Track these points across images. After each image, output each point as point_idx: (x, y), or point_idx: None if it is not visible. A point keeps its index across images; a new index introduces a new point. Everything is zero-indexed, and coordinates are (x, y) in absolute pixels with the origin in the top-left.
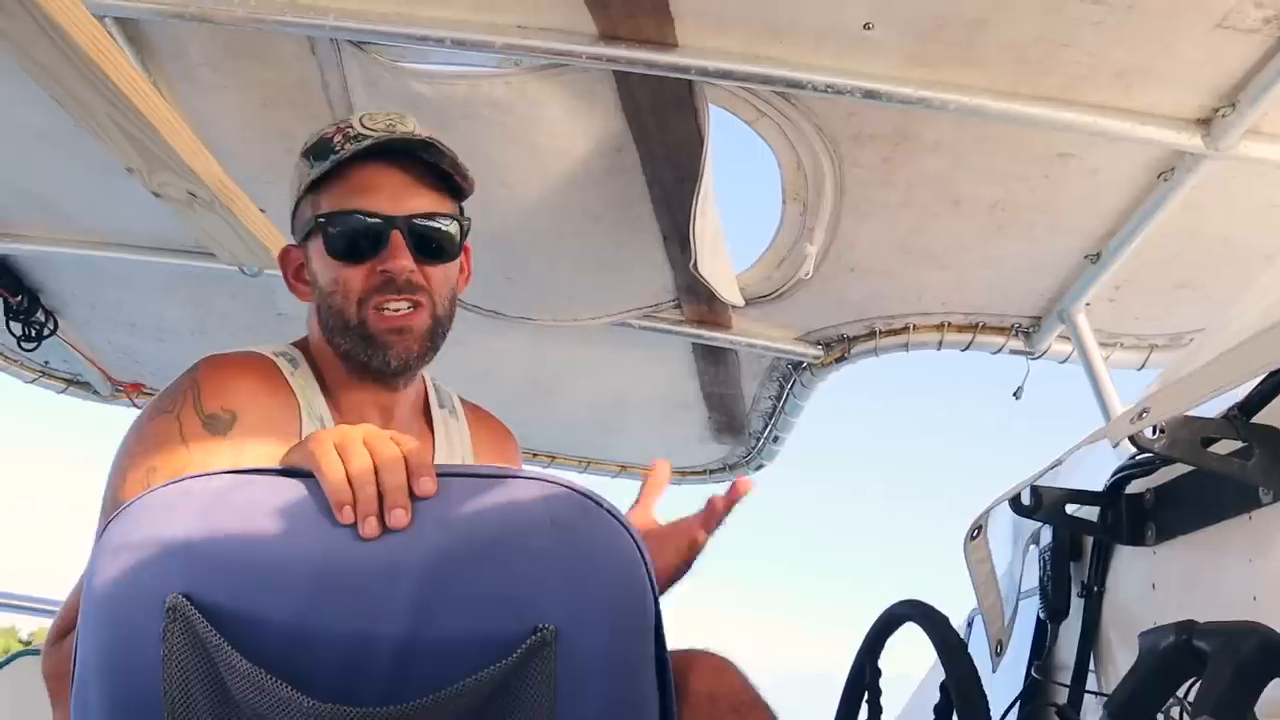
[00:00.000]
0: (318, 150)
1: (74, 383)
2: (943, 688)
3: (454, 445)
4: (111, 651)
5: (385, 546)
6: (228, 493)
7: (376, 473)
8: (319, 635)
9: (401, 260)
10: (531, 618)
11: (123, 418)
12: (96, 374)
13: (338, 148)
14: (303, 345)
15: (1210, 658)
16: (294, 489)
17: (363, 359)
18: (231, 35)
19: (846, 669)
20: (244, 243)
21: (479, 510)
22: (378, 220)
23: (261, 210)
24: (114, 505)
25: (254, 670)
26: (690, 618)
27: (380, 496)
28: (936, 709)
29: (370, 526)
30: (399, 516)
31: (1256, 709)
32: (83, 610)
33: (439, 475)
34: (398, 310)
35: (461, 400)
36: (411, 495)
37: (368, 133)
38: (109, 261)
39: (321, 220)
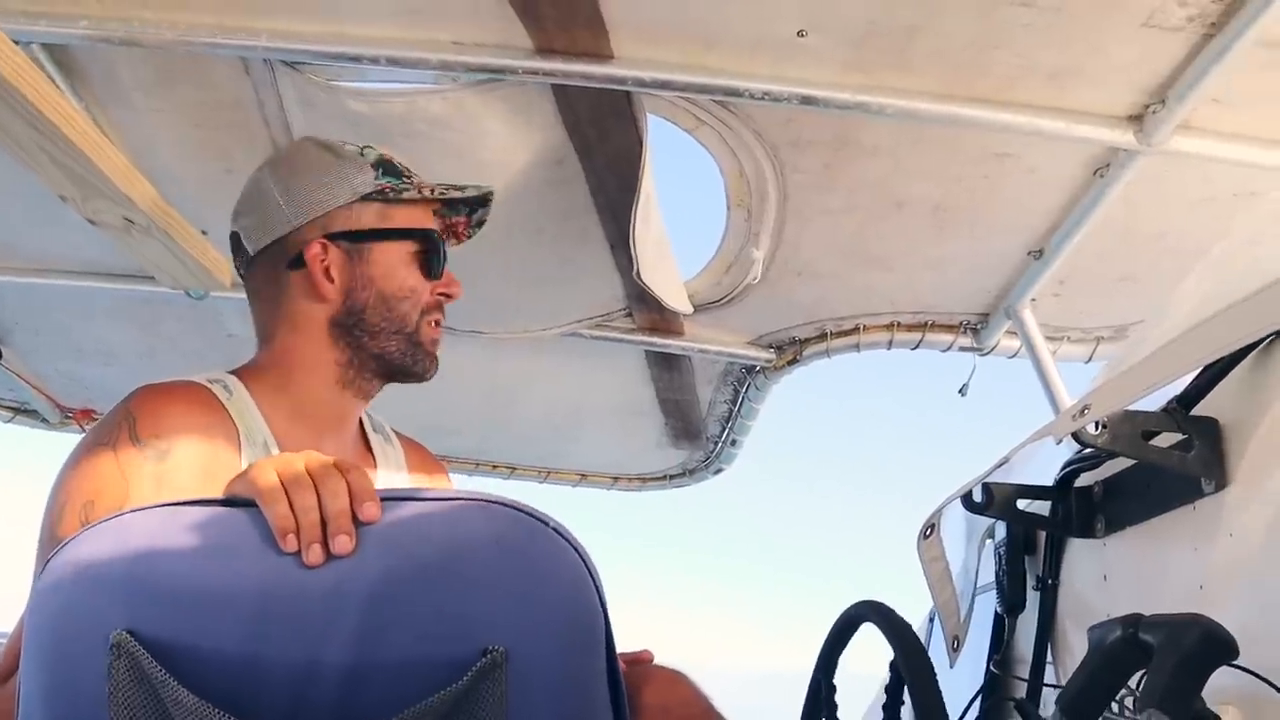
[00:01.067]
0: (389, 168)
1: (21, 411)
2: (892, 666)
3: (392, 469)
4: (56, 691)
5: (330, 573)
6: (168, 525)
7: (319, 499)
8: (265, 665)
9: (458, 289)
10: (481, 639)
11: (71, 442)
12: (44, 402)
13: (406, 173)
14: (246, 369)
15: (1155, 650)
16: (236, 519)
17: (408, 363)
18: (163, 59)
19: (809, 666)
20: (184, 266)
21: (424, 533)
22: (445, 248)
23: (203, 232)
24: (52, 541)
25: (200, 704)
26: (649, 619)
27: (324, 523)
28: (886, 689)
29: (314, 554)
30: (343, 543)
31: (1207, 698)
32: (25, 650)
33: (382, 500)
34: (439, 327)
35: (394, 430)
36: (356, 521)
37: (445, 191)
38: (52, 289)
39: (423, 233)
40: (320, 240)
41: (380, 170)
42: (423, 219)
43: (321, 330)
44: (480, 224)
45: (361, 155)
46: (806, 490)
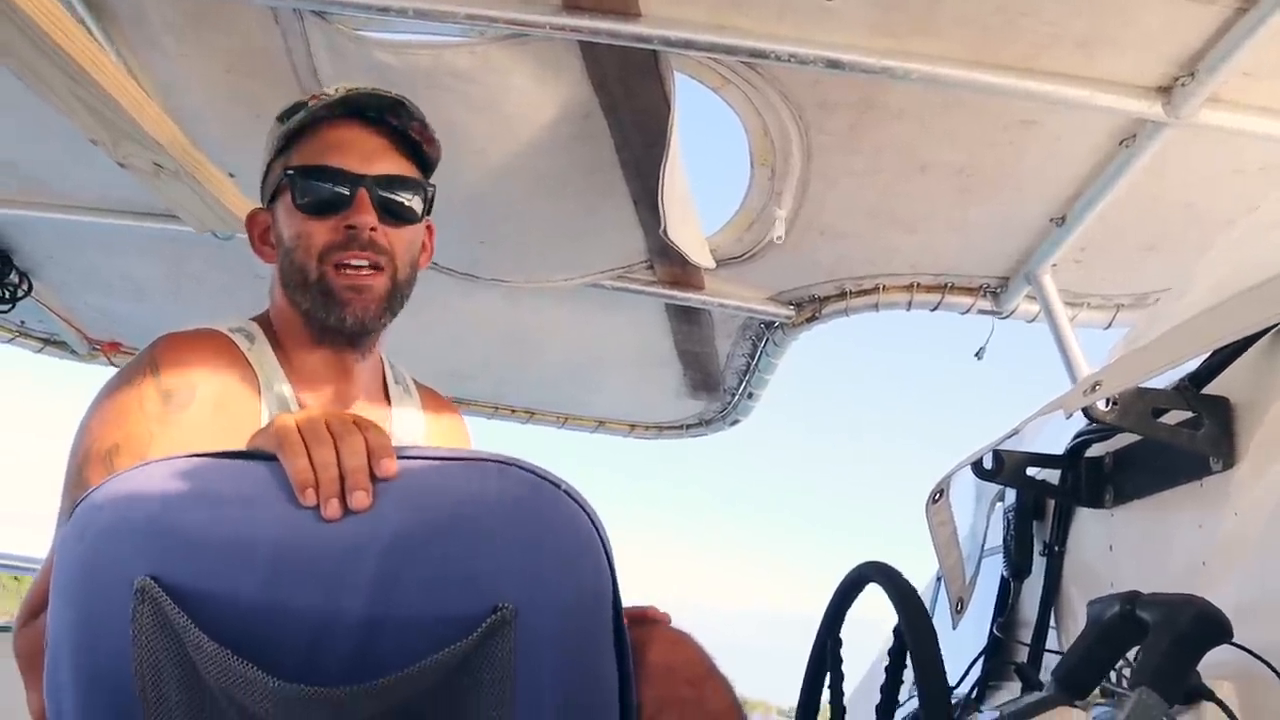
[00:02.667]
0: (290, 113)
1: (51, 342)
2: (896, 631)
3: (410, 421)
4: (82, 633)
5: (347, 528)
6: (193, 476)
7: (338, 455)
8: (284, 616)
9: (366, 216)
10: (491, 597)
11: (99, 373)
12: (73, 334)
13: (311, 108)
14: (263, 317)
15: (1151, 628)
16: (258, 472)
17: (321, 315)
18: (193, 3)
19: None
20: (211, 210)
21: (439, 492)
22: (346, 177)
23: (231, 175)
24: (78, 484)
25: (220, 651)
26: (669, 565)
27: (342, 479)
28: (890, 652)
29: (332, 508)
30: (360, 498)
31: (1204, 672)
32: (53, 593)
33: (400, 458)
34: (359, 268)
35: (414, 380)
36: (373, 477)
37: (292, 123)
38: (83, 225)
39: (290, 174)
40: (261, 209)
41: (284, 119)
42: (311, 154)
43: (280, 290)
44: (423, 123)
45: (280, 111)
46: (825, 443)
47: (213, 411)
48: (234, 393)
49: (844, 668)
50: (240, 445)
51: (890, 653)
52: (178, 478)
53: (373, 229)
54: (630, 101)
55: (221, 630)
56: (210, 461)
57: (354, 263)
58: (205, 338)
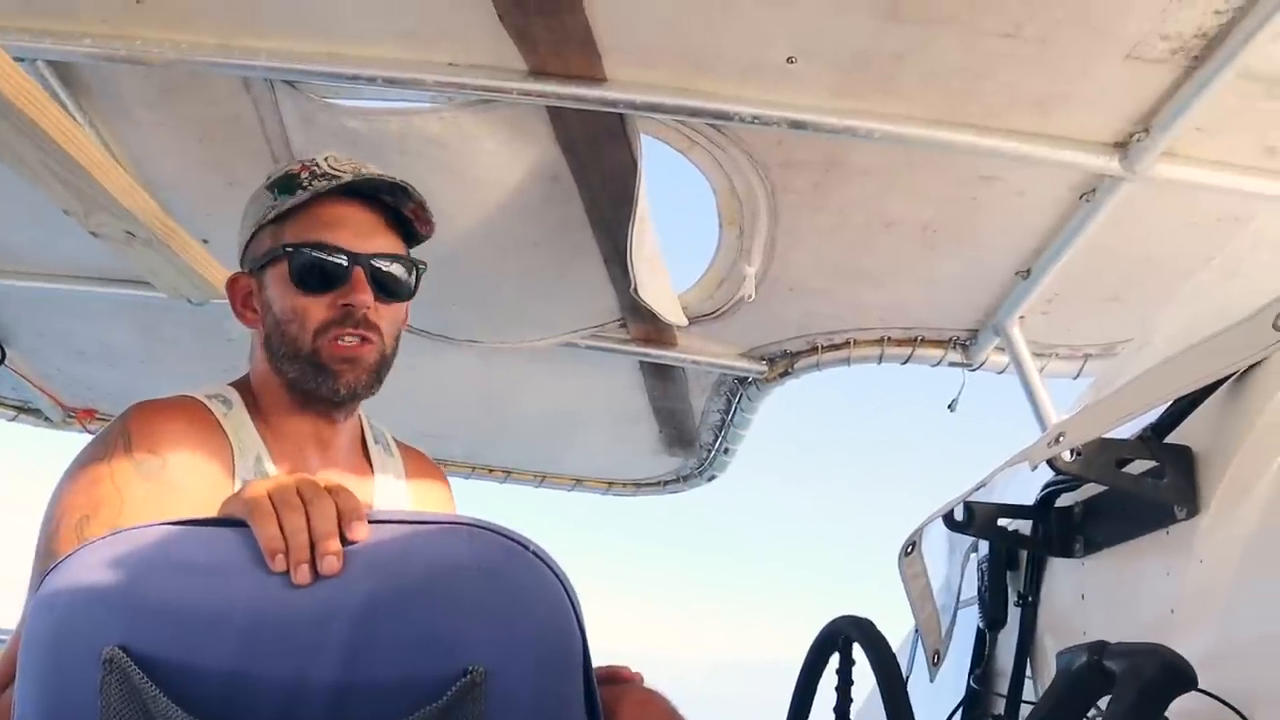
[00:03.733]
0: (284, 184)
1: (24, 410)
2: (842, 642)
3: (392, 483)
4: (50, 704)
5: (318, 593)
6: (163, 544)
7: (309, 520)
8: (254, 683)
9: (363, 295)
10: (461, 659)
11: (73, 440)
12: (47, 401)
13: (305, 183)
14: (242, 382)
15: (1118, 679)
16: (228, 539)
17: (311, 385)
18: (165, 75)
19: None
20: (184, 276)
21: (409, 555)
22: (343, 255)
23: (204, 241)
24: (48, 554)
25: None
26: (643, 615)
27: (312, 545)
28: (838, 671)
29: (302, 574)
30: (330, 563)
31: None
32: (21, 663)
33: (370, 522)
34: (350, 342)
35: (394, 439)
36: (345, 540)
37: (336, 172)
38: (56, 292)
39: (288, 249)
40: (243, 274)
41: (276, 189)
42: (307, 231)
43: (262, 356)
44: (422, 206)
45: (268, 178)
46: (795, 490)
47: (185, 480)
48: (207, 461)
49: None
50: (212, 513)
51: (838, 671)
52: (148, 546)
53: (368, 308)
54: (598, 164)
55: (191, 699)
56: (181, 530)
57: (347, 338)
58: (178, 406)
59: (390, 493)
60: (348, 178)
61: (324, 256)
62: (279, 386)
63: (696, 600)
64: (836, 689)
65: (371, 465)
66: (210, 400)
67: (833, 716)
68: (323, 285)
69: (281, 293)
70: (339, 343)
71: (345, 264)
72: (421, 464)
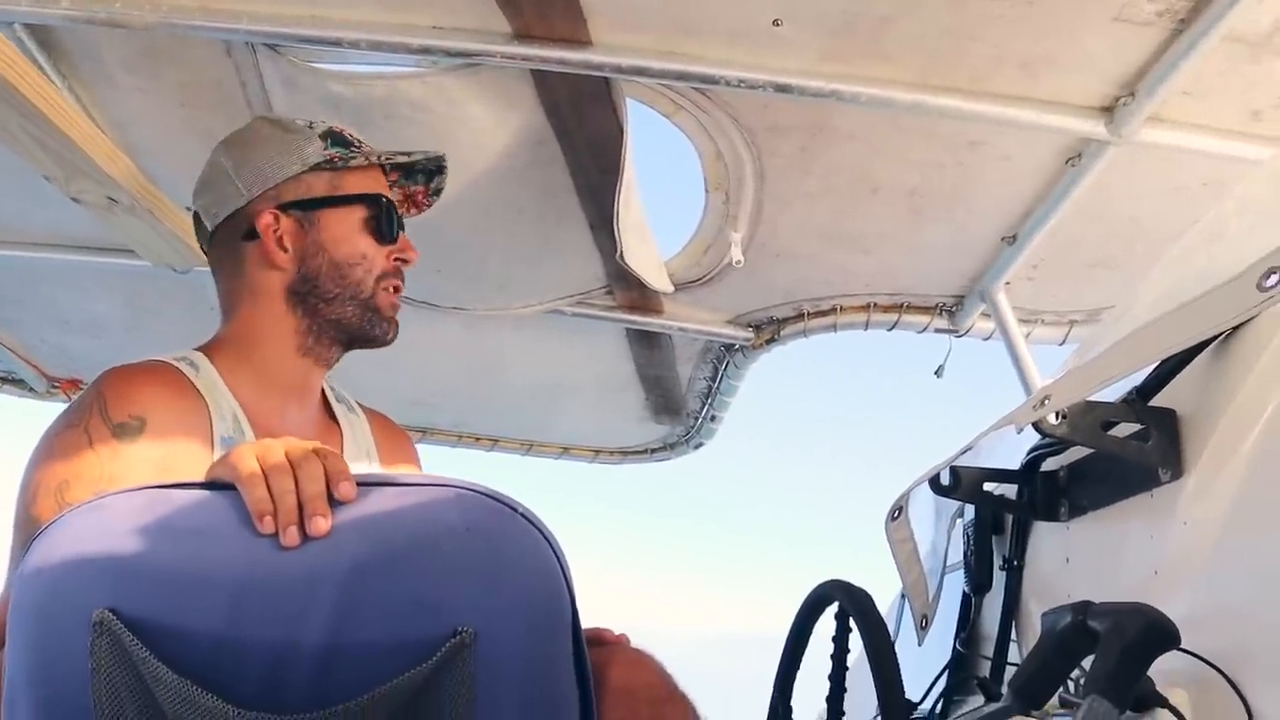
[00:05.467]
0: (337, 138)
1: (8, 380)
2: (838, 616)
3: (359, 441)
4: (41, 668)
5: (306, 555)
6: (150, 507)
7: (297, 482)
8: (243, 644)
9: (414, 254)
10: (450, 621)
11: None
12: (31, 371)
13: (355, 143)
14: (212, 343)
15: (1101, 637)
16: (216, 501)
17: (365, 328)
18: (146, 38)
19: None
20: (167, 243)
21: (397, 517)
22: (399, 216)
23: (186, 209)
24: (28, 522)
25: (180, 681)
26: (617, 586)
27: (300, 506)
28: (834, 639)
29: (291, 535)
30: (319, 524)
31: (1157, 679)
32: (9, 630)
33: (358, 484)
34: (398, 293)
35: (357, 403)
36: (332, 502)
37: (365, 161)
38: (39, 261)
39: (369, 197)
40: (272, 210)
41: (329, 140)
42: (374, 185)
43: (279, 299)
44: (438, 191)
45: (310, 128)
46: (785, 460)
47: (163, 442)
48: (184, 422)
49: (809, 692)
50: (191, 475)
51: (834, 639)
52: (135, 510)
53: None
54: (583, 128)
55: (181, 661)
56: (168, 493)
57: (396, 289)
58: (151, 369)
59: (359, 445)
60: (423, 156)
61: (395, 213)
62: (290, 330)
63: (683, 572)
64: (832, 656)
65: (339, 424)
66: (178, 363)
67: (827, 684)
68: (389, 237)
69: (347, 236)
70: (395, 292)
71: (400, 224)
72: (387, 426)
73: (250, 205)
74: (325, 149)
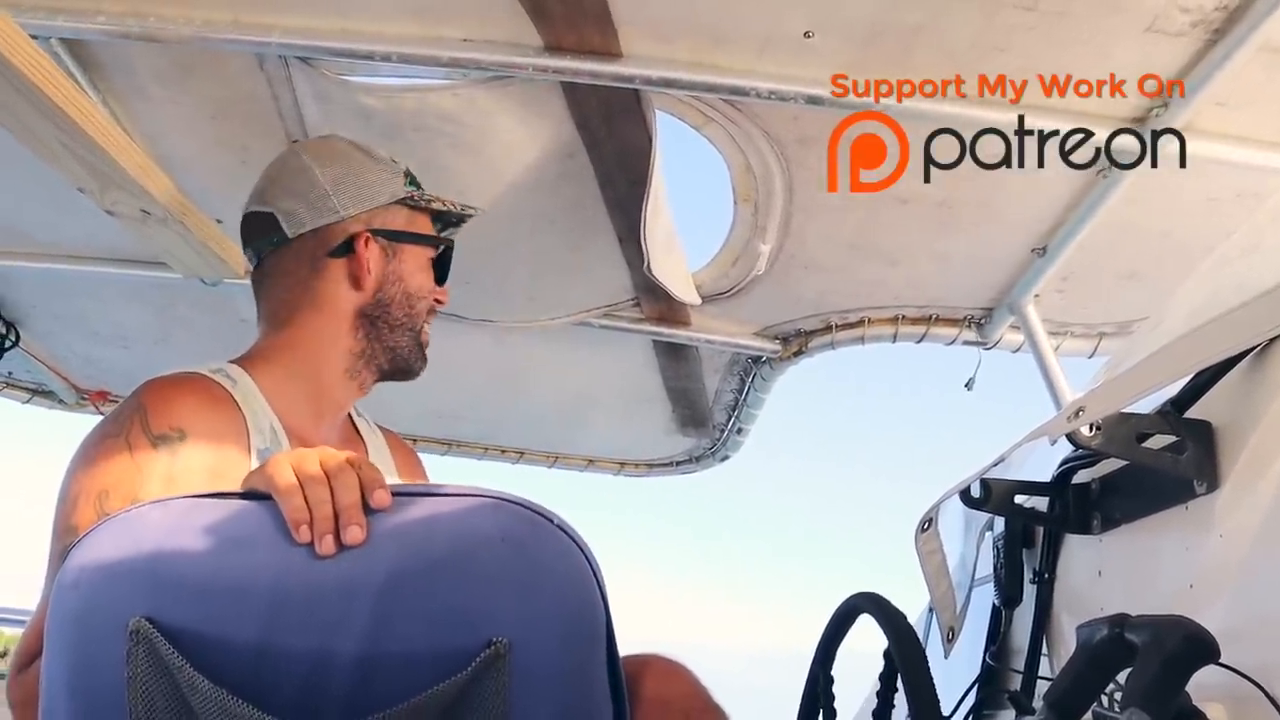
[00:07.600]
0: (411, 178)
1: (38, 392)
2: (886, 654)
3: (381, 457)
4: (77, 676)
5: (342, 564)
6: (187, 516)
7: (332, 492)
8: (279, 654)
9: (447, 299)
10: (485, 631)
11: (87, 423)
12: (61, 383)
13: (419, 183)
14: (249, 356)
15: (1139, 650)
16: (252, 511)
17: (410, 359)
18: (179, 52)
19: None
20: (199, 255)
21: (433, 526)
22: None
23: (218, 221)
24: (67, 531)
25: (216, 690)
26: (652, 602)
27: (336, 515)
28: (881, 676)
29: (327, 544)
30: (355, 533)
31: (1194, 694)
32: (47, 637)
33: (394, 494)
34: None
35: (373, 422)
36: (368, 511)
37: (442, 206)
38: (69, 273)
39: (438, 240)
40: (365, 234)
41: (408, 179)
42: (431, 228)
43: (347, 318)
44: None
45: (394, 162)
46: (816, 475)
47: (202, 452)
48: (223, 435)
49: (838, 704)
50: (230, 485)
51: (881, 677)
52: (172, 519)
53: None
54: (613, 140)
55: (217, 670)
56: (204, 502)
57: (428, 327)
58: (191, 380)
59: (380, 461)
60: (470, 212)
61: (450, 258)
62: (345, 350)
63: (730, 587)
64: (878, 694)
65: (363, 441)
66: (215, 375)
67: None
68: (444, 279)
69: (417, 270)
70: (427, 329)
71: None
72: (399, 444)
73: (343, 223)
74: (406, 185)
